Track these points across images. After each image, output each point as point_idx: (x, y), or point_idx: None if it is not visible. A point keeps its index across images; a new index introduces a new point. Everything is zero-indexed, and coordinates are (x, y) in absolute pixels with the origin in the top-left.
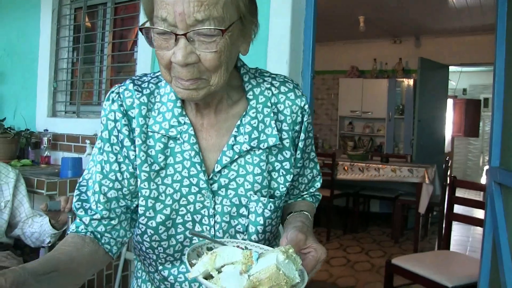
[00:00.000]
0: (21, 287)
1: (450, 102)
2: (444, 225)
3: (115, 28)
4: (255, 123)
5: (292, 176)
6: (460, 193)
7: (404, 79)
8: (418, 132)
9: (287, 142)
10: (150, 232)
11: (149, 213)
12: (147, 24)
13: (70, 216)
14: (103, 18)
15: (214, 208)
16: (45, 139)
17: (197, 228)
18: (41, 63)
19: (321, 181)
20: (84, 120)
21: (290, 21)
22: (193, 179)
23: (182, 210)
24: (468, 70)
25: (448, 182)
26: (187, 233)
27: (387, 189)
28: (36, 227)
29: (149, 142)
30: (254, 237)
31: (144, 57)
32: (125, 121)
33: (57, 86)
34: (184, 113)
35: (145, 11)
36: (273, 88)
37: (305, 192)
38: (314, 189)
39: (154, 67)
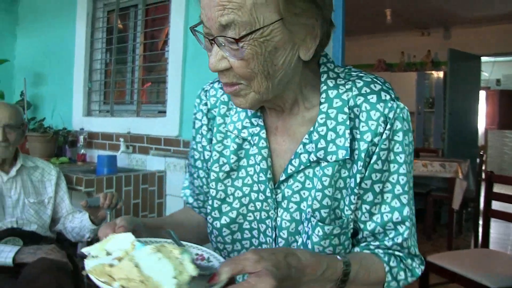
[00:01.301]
0: (135, 227)
1: (482, 93)
2: (481, 222)
3: (146, 29)
4: (323, 131)
5: (355, 196)
6: (496, 188)
7: (433, 72)
8: (450, 126)
9: (356, 155)
10: (215, 233)
11: (215, 214)
12: (198, 27)
13: (108, 212)
14: (134, 20)
15: (275, 221)
16: (81, 138)
17: (261, 239)
18: (77, 65)
19: (411, 236)
20: (118, 119)
21: None
22: (261, 186)
23: (249, 216)
24: (502, 60)
25: (483, 177)
26: (253, 240)
27: (417, 184)
28: (76, 222)
29: (226, 142)
30: None
31: (175, 56)
32: (204, 120)
33: (91, 86)
34: (259, 114)
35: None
36: (354, 90)
37: (377, 242)
38: (392, 243)
39: (185, 66)
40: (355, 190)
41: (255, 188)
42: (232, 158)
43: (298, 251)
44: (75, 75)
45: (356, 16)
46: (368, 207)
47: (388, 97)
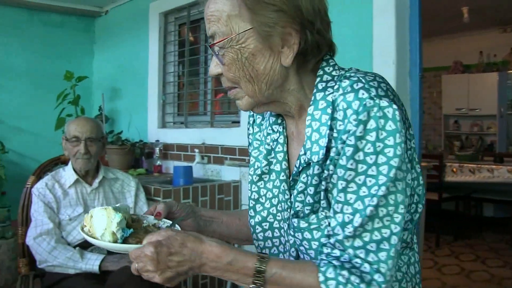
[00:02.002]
0: (187, 213)
1: None
2: None
3: None
4: (309, 132)
5: (323, 193)
6: None
7: None
8: None
9: (333, 152)
10: (251, 230)
11: (251, 213)
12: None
13: None
14: (205, 32)
15: (289, 220)
16: (157, 149)
17: (286, 237)
18: (151, 78)
19: (368, 245)
20: (192, 130)
21: (394, 19)
22: (283, 188)
23: (278, 216)
24: None
25: None
26: (281, 239)
27: (502, 191)
28: None
29: (261, 148)
30: (312, 253)
31: None
32: (249, 130)
33: (165, 98)
34: (279, 121)
35: None
36: (339, 90)
37: (332, 243)
38: (338, 243)
39: None
40: (321, 186)
41: (281, 189)
42: (263, 162)
43: (208, 239)
44: (149, 88)
45: (430, 17)
46: (333, 202)
47: (365, 95)
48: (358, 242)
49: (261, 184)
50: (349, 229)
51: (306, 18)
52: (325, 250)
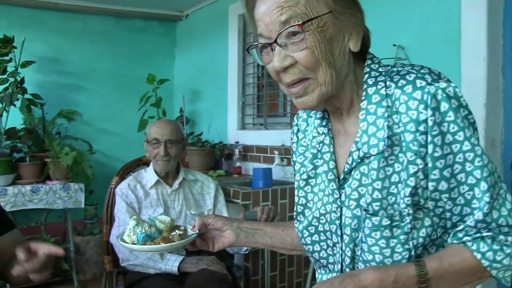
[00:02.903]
0: (226, 227)
1: None
2: None
3: None
4: (364, 126)
5: (410, 189)
6: None
7: None
8: None
9: (403, 147)
10: (299, 235)
11: (300, 218)
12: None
13: None
14: None
15: (340, 219)
16: (236, 151)
17: (334, 239)
18: (230, 80)
19: (495, 208)
20: (272, 132)
21: (486, 11)
22: (331, 188)
23: (322, 219)
24: None
25: None
26: (328, 242)
27: None
28: None
29: (307, 154)
30: (369, 257)
31: None
32: (293, 138)
33: (245, 100)
34: (324, 123)
35: (253, 34)
36: (392, 85)
37: (464, 227)
38: (475, 221)
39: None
40: (409, 182)
41: (327, 192)
42: (309, 167)
43: (361, 271)
44: (229, 90)
45: None
46: (447, 195)
47: (423, 83)
48: (495, 213)
49: (308, 188)
50: (486, 207)
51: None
52: (460, 235)
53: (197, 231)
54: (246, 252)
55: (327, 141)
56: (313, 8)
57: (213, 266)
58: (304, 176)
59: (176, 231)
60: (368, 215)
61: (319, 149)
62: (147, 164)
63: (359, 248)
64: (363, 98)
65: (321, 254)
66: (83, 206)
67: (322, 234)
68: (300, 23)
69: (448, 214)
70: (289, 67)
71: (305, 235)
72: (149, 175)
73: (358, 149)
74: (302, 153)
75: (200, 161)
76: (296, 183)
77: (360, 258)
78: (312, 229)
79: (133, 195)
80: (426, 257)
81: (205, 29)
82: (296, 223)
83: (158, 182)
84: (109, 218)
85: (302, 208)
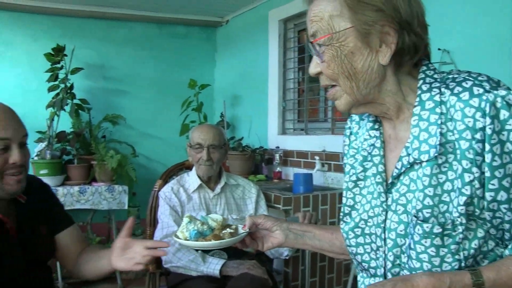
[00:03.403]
0: (276, 227)
1: None
2: None
3: None
4: (416, 132)
5: (465, 198)
6: None
7: None
8: None
9: (457, 154)
10: (344, 236)
11: (346, 219)
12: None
13: None
14: None
15: (384, 223)
16: (277, 156)
17: (378, 243)
18: (271, 85)
19: None
20: (312, 137)
21: None
22: (378, 191)
23: (369, 222)
24: None
25: None
26: (372, 245)
27: None
28: None
29: (357, 156)
30: (417, 264)
31: None
32: (345, 141)
33: (285, 105)
34: (376, 126)
35: None
36: (447, 91)
37: None
38: None
39: None
40: (464, 190)
41: (375, 195)
42: (359, 169)
43: (414, 276)
44: (270, 95)
45: None
46: (506, 205)
47: (481, 90)
48: None
49: (357, 190)
50: None
51: (404, 18)
52: None
53: (247, 230)
54: (287, 257)
55: (377, 144)
56: (336, 23)
57: (254, 270)
58: (353, 178)
59: (227, 229)
60: (419, 222)
61: (369, 151)
62: (189, 168)
63: (406, 255)
64: (416, 103)
65: (363, 257)
66: (126, 207)
67: (367, 236)
68: (317, 38)
69: (507, 226)
70: (319, 74)
71: (350, 237)
72: (192, 179)
73: (408, 155)
74: (352, 155)
75: (240, 166)
76: (345, 184)
77: (407, 266)
78: (358, 231)
79: (176, 198)
80: (482, 266)
81: (246, 35)
82: (342, 224)
83: (201, 187)
84: (153, 220)
85: (349, 209)
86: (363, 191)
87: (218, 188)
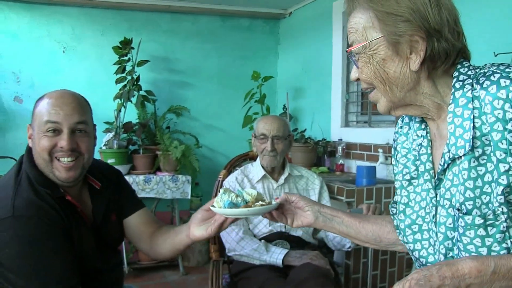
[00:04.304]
0: (308, 207)
1: None
2: None
3: None
4: (451, 128)
5: (502, 188)
6: None
7: None
8: None
9: (490, 146)
10: (401, 233)
11: (400, 216)
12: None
13: None
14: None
15: (435, 217)
16: (339, 148)
17: (434, 237)
18: (334, 77)
19: None
20: (376, 130)
21: None
22: (427, 188)
23: (427, 218)
24: None
25: None
26: (430, 240)
27: None
28: None
29: (409, 155)
30: (465, 254)
31: None
32: (395, 139)
33: (349, 97)
34: (422, 126)
35: None
36: (477, 86)
37: None
38: None
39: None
40: (500, 180)
41: (426, 189)
42: (412, 168)
43: (459, 260)
44: (333, 87)
45: None
46: None
47: (508, 82)
48: None
49: (411, 188)
50: None
51: (433, 27)
52: None
53: (277, 202)
54: (349, 249)
55: (425, 143)
56: (369, 33)
57: (317, 261)
58: (407, 177)
59: (260, 202)
60: (461, 215)
61: (418, 151)
62: (253, 159)
63: (456, 247)
64: (450, 101)
65: (421, 253)
66: (189, 197)
67: (425, 232)
68: (352, 47)
69: None
70: (358, 80)
71: (407, 233)
72: (256, 170)
73: (449, 151)
74: (404, 155)
75: (303, 157)
76: (397, 182)
77: (457, 258)
78: (415, 228)
79: (240, 188)
80: None
81: (309, 27)
82: (395, 221)
83: (265, 177)
84: None
85: (403, 207)
86: (417, 189)
87: (282, 179)
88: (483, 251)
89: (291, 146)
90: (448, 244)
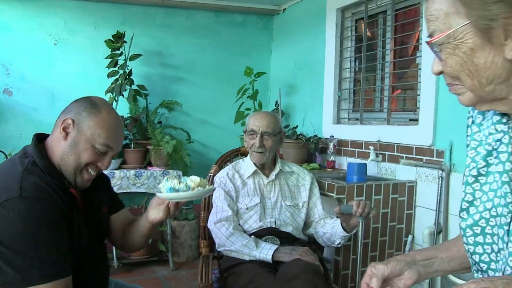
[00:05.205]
0: (397, 273)
1: None
2: None
3: (396, 35)
4: None
5: None
6: None
7: None
8: None
9: None
10: (461, 233)
11: (463, 215)
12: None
13: (361, 220)
14: (383, 26)
15: (509, 225)
16: (331, 145)
17: (500, 245)
18: (327, 74)
19: None
20: (367, 127)
21: None
22: (504, 191)
23: (491, 221)
24: None
25: None
26: (493, 246)
27: None
28: (328, 228)
29: (479, 149)
30: None
31: (427, 61)
32: (468, 131)
33: (341, 94)
34: (504, 120)
35: None
36: None
37: None
38: None
39: None
40: None
41: (499, 193)
42: (481, 164)
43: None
44: (325, 84)
45: None
46: None
47: None
48: None
49: (477, 186)
50: None
51: None
52: None
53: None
54: (339, 246)
55: (505, 140)
56: (452, 20)
57: (307, 257)
58: (474, 172)
59: (200, 187)
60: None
61: (495, 147)
62: (245, 154)
63: None
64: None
65: (482, 258)
66: None
67: (488, 236)
68: (433, 38)
69: None
70: (441, 73)
71: (467, 234)
72: (247, 165)
73: None
74: (474, 148)
75: (294, 154)
76: (464, 178)
77: None
78: (477, 230)
79: (231, 183)
80: None
81: (302, 23)
82: (458, 220)
83: (256, 173)
84: (207, 205)
85: (467, 205)
86: (484, 187)
87: (272, 175)
88: None
89: (282, 142)
90: None
